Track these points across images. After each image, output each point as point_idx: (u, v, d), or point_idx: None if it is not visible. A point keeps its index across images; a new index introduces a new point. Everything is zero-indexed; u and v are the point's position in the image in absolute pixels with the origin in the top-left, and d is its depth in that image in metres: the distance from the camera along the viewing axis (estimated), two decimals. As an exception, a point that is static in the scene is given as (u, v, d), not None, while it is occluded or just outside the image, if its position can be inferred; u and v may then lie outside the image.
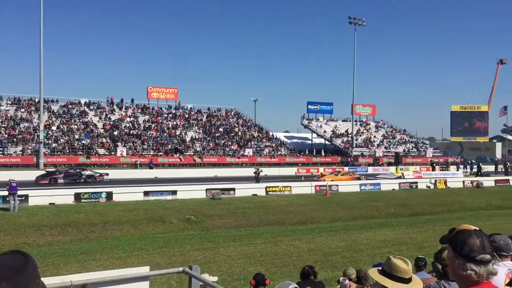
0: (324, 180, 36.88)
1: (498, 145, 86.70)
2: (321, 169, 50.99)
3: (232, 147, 59.13)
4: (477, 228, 2.21)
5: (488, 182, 40.53)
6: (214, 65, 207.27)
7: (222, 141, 60.10)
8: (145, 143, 54.09)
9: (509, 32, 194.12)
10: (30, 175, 34.48)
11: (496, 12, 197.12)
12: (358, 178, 39.97)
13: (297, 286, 3.03)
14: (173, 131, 59.24)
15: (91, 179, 35.44)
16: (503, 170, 52.49)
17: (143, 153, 51.71)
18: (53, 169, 37.49)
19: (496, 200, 32.11)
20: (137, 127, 57.79)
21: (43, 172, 36.40)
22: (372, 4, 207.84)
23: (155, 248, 17.77)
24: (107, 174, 37.92)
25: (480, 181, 39.81)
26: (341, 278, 4.17)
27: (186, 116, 64.82)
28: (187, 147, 55.90)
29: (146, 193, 27.21)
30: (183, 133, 59.24)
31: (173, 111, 64.93)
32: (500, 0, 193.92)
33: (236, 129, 65.32)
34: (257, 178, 35.66)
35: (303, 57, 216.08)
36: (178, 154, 53.04)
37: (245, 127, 67.42)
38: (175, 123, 61.69)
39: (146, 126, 58.49)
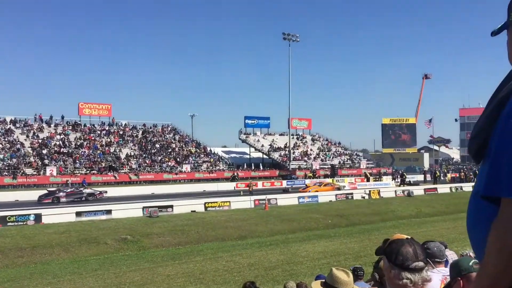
0: (309, 191, 39.72)
1: (426, 155, 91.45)
2: (260, 183, 51.29)
3: (169, 163, 58.18)
4: (409, 237, 2.24)
5: (418, 191, 42.38)
6: (150, 80, 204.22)
7: (159, 158, 58.98)
8: (77, 161, 51.99)
9: (433, 50, 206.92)
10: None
11: (421, 30, 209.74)
12: (338, 188, 42.72)
13: None
14: (107, 148, 57.44)
15: (92, 197, 36.59)
16: (432, 179, 55.30)
17: (75, 172, 49.63)
18: (54, 189, 38.02)
19: (425, 208, 33.61)
20: (68, 145, 55.49)
21: (45, 191, 36.55)
22: (305, 20, 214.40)
23: (89, 271, 16.90)
24: (106, 192, 39.10)
25: (410, 190, 41.55)
26: (287, 283, 4.11)
27: (121, 132, 63.12)
28: (122, 164, 54.34)
29: (78, 214, 25.98)
30: (117, 150, 57.58)
31: (107, 128, 63.04)
32: (424, 22, 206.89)
33: (173, 145, 64.42)
34: (250, 191, 39.42)
35: (240, 72, 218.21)
36: (112, 172, 51.39)
37: (182, 142, 66.65)
38: (109, 140, 59.87)
39: (78, 143, 56.31)
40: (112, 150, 57.39)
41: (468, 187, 46.30)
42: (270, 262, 17.51)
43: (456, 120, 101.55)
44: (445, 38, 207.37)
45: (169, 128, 69.74)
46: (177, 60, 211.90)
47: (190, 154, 63.00)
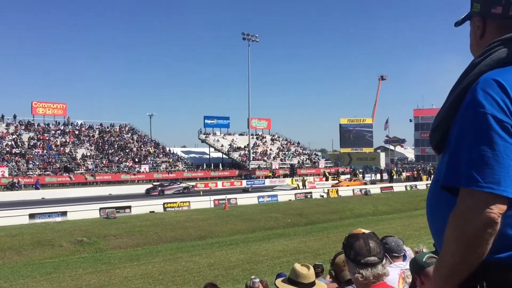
0: (342, 185, 44.67)
1: (382, 155, 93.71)
2: (220, 183, 51.18)
3: (127, 163, 57.09)
4: (367, 232, 2.24)
5: (374, 189, 43.36)
6: (107, 79, 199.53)
7: (116, 158, 57.79)
8: (31, 162, 50.20)
9: (388, 51, 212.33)
10: None
11: (378, 32, 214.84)
12: (365, 183, 48.05)
13: None
14: (62, 148, 55.78)
15: (186, 190, 42.36)
16: (388, 177, 56.76)
17: (28, 173, 47.92)
18: (158, 183, 44.93)
19: (382, 206, 34.41)
20: (20, 145, 53.48)
21: (151, 185, 43.51)
22: (264, 20, 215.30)
23: (43, 274, 16.34)
24: (194, 186, 45.82)
25: (367, 189, 42.47)
26: (252, 276, 4.10)
27: (76, 132, 61.42)
28: (77, 165, 52.88)
29: (32, 216, 25.04)
30: (73, 151, 56.00)
31: (62, 128, 61.18)
32: (379, 23, 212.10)
33: (131, 145, 63.26)
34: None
35: (199, 72, 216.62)
36: (68, 173, 49.93)
37: (141, 142, 65.57)
38: (64, 140, 58.14)
39: (31, 143, 54.37)
40: (67, 150, 55.77)
41: (422, 185, 47.82)
42: (230, 262, 17.47)
43: (410, 120, 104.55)
44: (400, 40, 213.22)
45: (127, 128, 68.45)
46: (134, 58, 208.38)
47: (148, 154, 62.06)
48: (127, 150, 61.16)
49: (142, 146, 64.50)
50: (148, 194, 39.80)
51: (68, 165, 51.78)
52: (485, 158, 1.31)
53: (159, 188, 41.61)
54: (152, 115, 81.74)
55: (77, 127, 62.99)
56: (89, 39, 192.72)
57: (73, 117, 64.70)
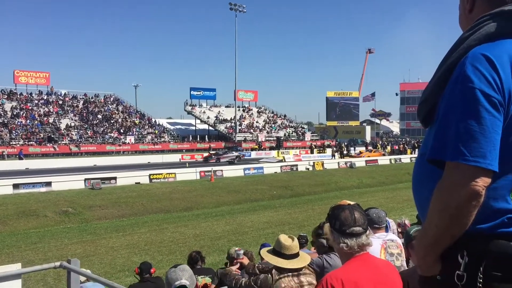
0: (363, 156, 48.30)
1: (368, 128, 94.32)
2: (206, 155, 51.14)
3: (112, 134, 56.67)
4: (353, 203, 2.29)
5: (360, 162, 43.77)
6: (91, 48, 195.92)
7: (101, 129, 57.31)
8: (13, 132, 49.53)
9: (376, 24, 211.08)
10: None
11: (366, 4, 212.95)
12: (383, 154, 52.18)
13: (184, 282, 2.90)
14: (46, 118, 55.05)
15: (237, 159, 45.84)
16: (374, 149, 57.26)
17: (12, 143, 47.32)
18: (214, 152, 50.13)
19: (366, 179, 34.83)
20: (3, 114, 52.67)
21: (207, 154, 48.33)
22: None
23: (28, 244, 16.33)
24: (243, 155, 49.94)
25: (353, 162, 42.82)
26: (237, 248, 4.16)
27: (60, 102, 60.58)
28: (62, 135, 52.35)
29: (16, 186, 24.85)
30: (57, 121, 55.32)
31: (45, 97, 60.25)
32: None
33: (116, 116, 62.66)
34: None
35: (185, 42, 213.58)
36: (52, 143, 49.44)
37: (126, 113, 64.99)
38: (47, 110, 57.34)
39: (14, 113, 53.54)
40: (51, 120, 55.07)
41: (406, 158, 48.39)
42: (215, 233, 17.64)
43: (396, 94, 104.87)
44: (389, 14, 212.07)
45: (111, 98, 67.66)
46: (119, 27, 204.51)
47: (134, 125, 61.62)
48: (112, 121, 60.61)
49: (127, 117, 63.95)
50: (206, 162, 43.52)
51: (52, 136, 51.23)
52: (472, 132, 1.33)
53: (215, 156, 45.46)
54: (137, 85, 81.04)
55: (60, 97, 62.07)
56: (73, 7, 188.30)
57: (56, 86, 63.83)
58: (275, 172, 36.63)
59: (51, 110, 57.60)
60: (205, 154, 48.73)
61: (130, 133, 58.44)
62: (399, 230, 5.96)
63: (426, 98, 1.54)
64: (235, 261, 3.92)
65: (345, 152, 53.53)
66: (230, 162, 43.25)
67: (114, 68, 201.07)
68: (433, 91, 1.50)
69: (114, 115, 62.58)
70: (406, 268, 3.59)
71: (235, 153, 48.47)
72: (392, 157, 49.94)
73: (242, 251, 4.00)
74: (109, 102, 66.21)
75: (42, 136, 50.66)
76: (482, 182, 1.33)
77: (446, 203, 1.38)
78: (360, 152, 53.95)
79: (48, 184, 25.87)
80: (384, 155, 51.89)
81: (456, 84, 1.39)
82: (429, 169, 1.48)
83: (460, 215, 1.37)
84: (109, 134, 56.55)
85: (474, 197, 1.34)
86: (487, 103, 1.34)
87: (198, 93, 75.28)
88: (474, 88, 1.35)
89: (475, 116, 1.34)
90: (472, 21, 1.52)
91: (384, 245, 3.95)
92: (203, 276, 5.43)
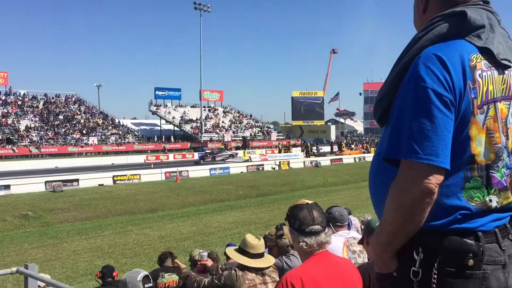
0: (345, 154, 50.66)
1: (333, 128, 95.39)
2: (171, 156, 50.65)
3: (74, 135, 55.34)
4: (311, 202, 2.32)
5: (325, 161, 44.31)
6: (51, 47, 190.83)
7: (63, 130, 55.86)
8: (-30, 133, 47.74)
9: (340, 24, 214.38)
10: None
11: (329, 7, 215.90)
12: (364, 152, 53.62)
13: (147, 273, 2.86)
14: (4, 119, 53.25)
15: (231, 158, 46.91)
16: (338, 150, 58.01)
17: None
18: (209, 151, 51.11)
19: (331, 178, 35.29)
20: (-42, 115, 50.65)
21: (203, 153, 49.49)
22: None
23: (-14, 249, 15.78)
24: (237, 154, 50.65)
25: (318, 161, 43.31)
26: (200, 250, 4.14)
27: (19, 103, 58.69)
28: (21, 137, 50.73)
29: (-28, 190, 23.99)
30: (15, 122, 53.59)
31: (3, 98, 58.23)
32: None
33: (78, 117, 61.24)
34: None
35: (149, 42, 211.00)
36: (10, 145, 47.87)
37: (88, 114, 63.59)
38: (5, 110, 55.48)
39: (-30, 114, 51.60)
40: (9, 121, 53.31)
41: (370, 157, 49.24)
42: (181, 234, 17.50)
43: (360, 94, 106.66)
44: (351, 13, 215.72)
45: (73, 99, 66.03)
46: (80, 24, 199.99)
47: (97, 126, 60.35)
48: (74, 122, 59.20)
49: (90, 117, 62.59)
50: (203, 159, 45.62)
51: (11, 137, 49.61)
52: (424, 131, 1.35)
53: (210, 156, 47.09)
54: (100, 85, 79.46)
55: (19, 97, 60.18)
56: (31, 2, 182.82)
57: (15, 86, 61.73)
58: (241, 172, 36.64)
59: (10, 111, 55.76)
60: (231, 152, 50.99)
61: (93, 134, 57.23)
62: (363, 227, 6.05)
63: (381, 97, 1.56)
64: (198, 263, 3.88)
65: (311, 151, 54.13)
66: (224, 160, 45.15)
67: (76, 68, 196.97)
68: (388, 90, 1.52)
69: (76, 116, 61.12)
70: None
71: (229, 152, 50.39)
72: (357, 156, 50.77)
73: (206, 253, 3.97)
74: (70, 103, 64.59)
75: (0, 137, 48.97)
76: (435, 180, 1.36)
77: (400, 201, 1.40)
78: (342, 151, 55.54)
79: (7, 187, 25.02)
80: (364, 152, 53.44)
81: (409, 83, 1.42)
82: (385, 168, 1.50)
83: (414, 213, 1.39)
84: (71, 135, 55.21)
85: (427, 194, 1.36)
86: (439, 102, 1.37)
87: (163, 93, 74.40)
88: (427, 88, 1.38)
89: (427, 115, 1.36)
90: (426, 22, 1.55)
91: (347, 243, 3.99)
92: (170, 273, 5.35)
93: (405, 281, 1.45)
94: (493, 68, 1.48)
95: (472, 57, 1.44)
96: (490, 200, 1.46)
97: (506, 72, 1.52)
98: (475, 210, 1.44)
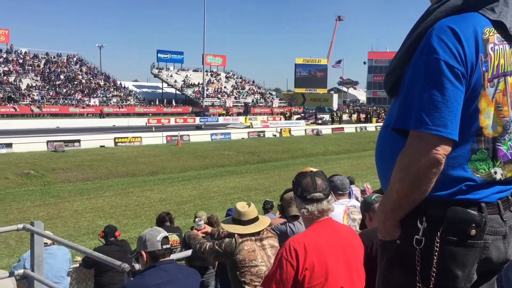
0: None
1: (335, 96, 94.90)
2: (172, 119, 50.60)
3: (76, 96, 55.17)
4: (316, 170, 2.34)
5: (326, 130, 44.25)
6: (53, 5, 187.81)
7: (64, 90, 55.65)
8: (-29, 91, 47.60)
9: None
10: None
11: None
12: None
13: (167, 235, 2.94)
14: (5, 77, 52.99)
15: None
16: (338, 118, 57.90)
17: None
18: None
19: (332, 146, 35.33)
20: (-41, 72, 50.37)
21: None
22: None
23: (-12, 206, 16.00)
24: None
25: (319, 129, 43.25)
26: (197, 219, 4.22)
27: (21, 61, 58.23)
28: (22, 95, 50.61)
29: (-26, 147, 24.10)
30: (17, 80, 53.33)
31: (4, 55, 57.74)
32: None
33: (80, 77, 60.89)
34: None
35: (152, 3, 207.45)
36: (12, 103, 47.80)
37: (90, 75, 63.19)
38: (7, 68, 55.11)
39: (-29, 71, 51.30)
40: (11, 80, 53.05)
41: (371, 127, 49.23)
42: (181, 197, 17.70)
43: (364, 63, 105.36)
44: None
45: (75, 59, 65.49)
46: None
47: (98, 87, 60.09)
48: (75, 82, 58.90)
49: (92, 78, 62.24)
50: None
51: (12, 95, 49.48)
52: (434, 102, 1.37)
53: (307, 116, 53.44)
54: (102, 46, 78.37)
55: (21, 56, 59.67)
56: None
57: (16, 44, 61.13)
58: (242, 138, 36.67)
59: (11, 69, 55.41)
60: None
61: (95, 95, 57.04)
62: (363, 196, 6.13)
63: (393, 68, 1.56)
64: (199, 230, 3.96)
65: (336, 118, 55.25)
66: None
67: (78, 27, 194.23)
68: (400, 61, 1.53)
69: (77, 76, 60.77)
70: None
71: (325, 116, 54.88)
72: (358, 125, 50.68)
73: (202, 222, 4.05)
74: (72, 63, 64.09)
75: (1, 95, 48.85)
76: (442, 151, 1.38)
77: (407, 170, 1.43)
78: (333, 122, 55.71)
79: (9, 145, 25.13)
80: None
81: (422, 54, 1.42)
82: (393, 139, 1.52)
83: (420, 182, 1.42)
84: (72, 95, 55.03)
85: (434, 164, 1.39)
86: (451, 74, 1.38)
87: (166, 56, 73.71)
88: (439, 59, 1.38)
89: (438, 87, 1.37)
90: None
91: (347, 211, 4.06)
92: (170, 233, 5.46)
93: (407, 249, 1.49)
94: (505, 42, 1.49)
95: (485, 30, 1.44)
96: (495, 172, 1.49)
97: None
98: (480, 181, 1.47)
